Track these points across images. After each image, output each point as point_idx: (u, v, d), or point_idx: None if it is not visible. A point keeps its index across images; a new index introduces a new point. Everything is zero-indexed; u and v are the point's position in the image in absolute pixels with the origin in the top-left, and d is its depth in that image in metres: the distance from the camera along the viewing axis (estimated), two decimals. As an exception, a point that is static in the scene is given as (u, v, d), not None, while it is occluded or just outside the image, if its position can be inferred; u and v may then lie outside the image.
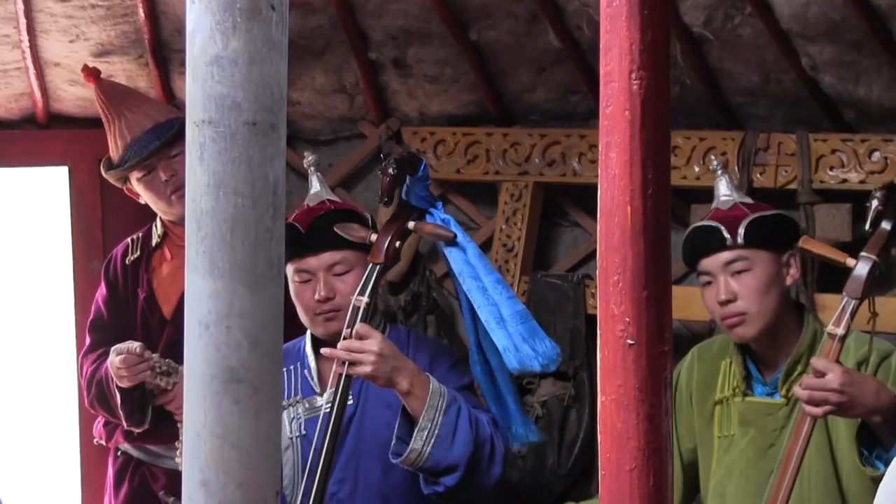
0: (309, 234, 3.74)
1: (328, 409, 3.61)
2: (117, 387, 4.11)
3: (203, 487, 1.77)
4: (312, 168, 3.86)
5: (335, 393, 3.49)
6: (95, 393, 4.28)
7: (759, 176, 4.51)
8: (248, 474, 1.77)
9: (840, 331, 3.28)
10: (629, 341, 1.38)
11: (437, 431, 3.49)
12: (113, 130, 4.33)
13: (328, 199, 3.83)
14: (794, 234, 3.63)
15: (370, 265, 3.58)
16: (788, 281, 3.58)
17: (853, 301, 3.31)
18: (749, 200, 3.70)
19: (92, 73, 4.44)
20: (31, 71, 4.93)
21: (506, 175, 4.97)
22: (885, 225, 3.37)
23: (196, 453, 1.77)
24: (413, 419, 3.50)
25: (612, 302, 1.39)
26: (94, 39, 4.87)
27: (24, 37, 4.82)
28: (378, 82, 5.05)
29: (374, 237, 3.63)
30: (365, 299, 3.52)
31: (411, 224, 3.61)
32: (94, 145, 5.11)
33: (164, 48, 4.96)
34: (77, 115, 5.17)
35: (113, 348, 4.08)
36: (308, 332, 3.85)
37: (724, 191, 3.70)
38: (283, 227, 1.78)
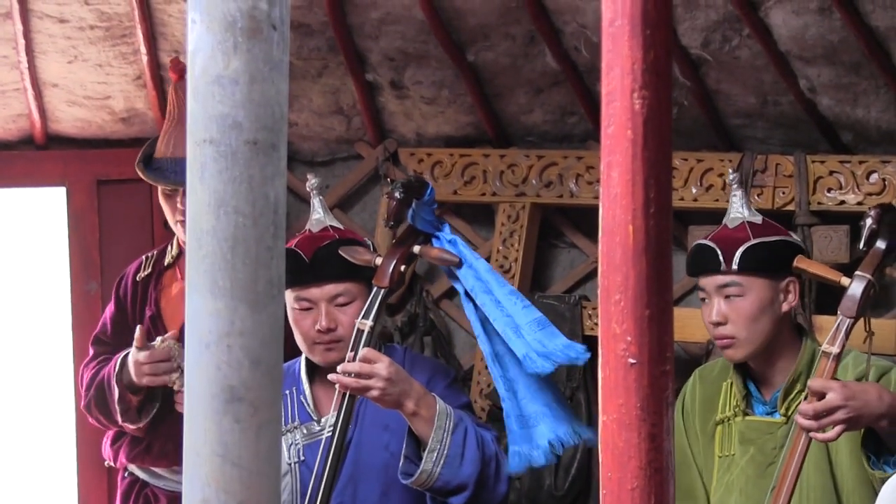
0: (312, 264, 3.74)
1: (329, 435, 3.62)
2: (125, 386, 4.11)
3: (203, 506, 1.77)
4: (315, 191, 3.85)
5: (338, 416, 3.49)
6: (94, 394, 4.27)
7: (756, 197, 4.52)
8: (248, 493, 1.77)
9: (835, 349, 3.27)
10: (631, 360, 1.38)
11: (446, 452, 3.49)
12: (168, 131, 4.32)
13: (331, 227, 3.83)
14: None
15: (375, 289, 3.58)
16: (785, 307, 3.55)
17: (848, 320, 3.31)
18: (758, 220, 3.65)
19: (177, 70, 4.36)
20: (30, 92, 4.94)
21: (503, 196, 4.97)
22: (880, 244, 3.37)
23: (196, 472, 1.77)
24: (419, 438, 3.51)
25: (613, 321, 1.39)
26: (92, 60, 4.88)
27: (23, 57, 4.83)
28: (375, 104, 5.06)
29: (378, 261, 3.63)
30: (369, 323, 3.53)
31: (417, 248, 3.62)
32: (92, 166, 5.12)
33: (162, 69, 4.96)
34: (75, 136, 5.17)
35: (135, 342, 4.07)
36: (303, 356, 3.85)
37: (735, 208, 3.66)
38: (283, 247, 1.78)
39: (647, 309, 1.38)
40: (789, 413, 3.53)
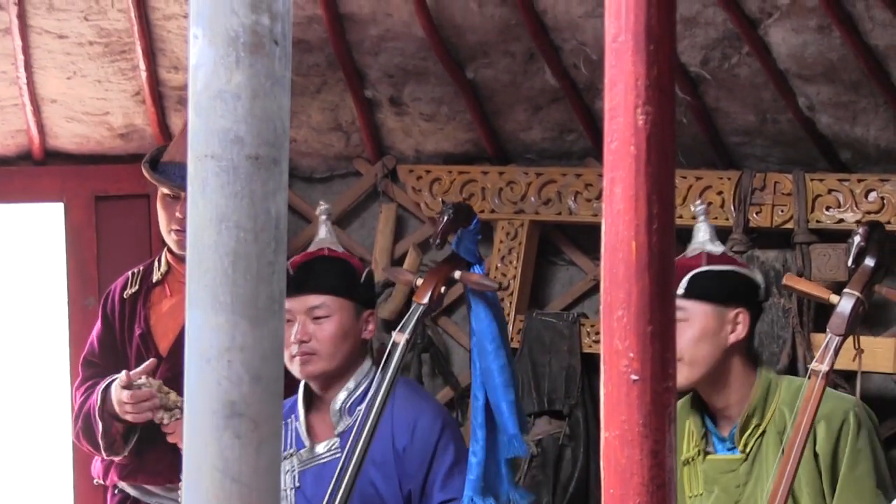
0: (295, 276, 3.78)
1: (325, 461, 3.70)
2: (109, 415, 4.11)
3: (203, 522, 1.76)
4: (324, 217, 3.92)
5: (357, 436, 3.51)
6: (81, 425, 4.26)
7: (755, 215, 4.52)
8: (248, 509, 1.76)
9: (824, 367, 3.23)
10: (633, 377, 1.38)
11: None
12: (184, 134, 4.31)
13: (328, 248, 3.88)
14: (750, 292, 3.55)
15: (414, 304, 3.63)
16: (731, 339, 3.48)
17: (836, 338, 3.29)
18: (718, 250, 3.60)
19: None
20: (28, 107, 4.94)
21: (501, 213, 4.97)
22: (868, 261, 3.36)
23: (196, 487, 1.76)
24: None
25: (616, 337, 1.39)
26: (91, 76, 4.88)
27: (22, 73, 4.83)
28: (374, 120, 5.07)
29: (419, 281, 3.66)
30: (405, 336, 3.55)
31: (457, 274, 3.64)
32: (90, 182, 5.12)
33: (161, 85, 4.97)
34: (73, 152, 5.17)
35: (119, 382, 4.08)
36: (301, 386, 3.88)
37: (698, 237, 3.62)
38: (284, 262, 1.78)
39: (649, 325, 1.38)
40: (748, 449, 3.48)
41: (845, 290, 3.35)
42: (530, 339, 4.83)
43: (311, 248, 3.89)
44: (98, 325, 4.46)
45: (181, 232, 3.97)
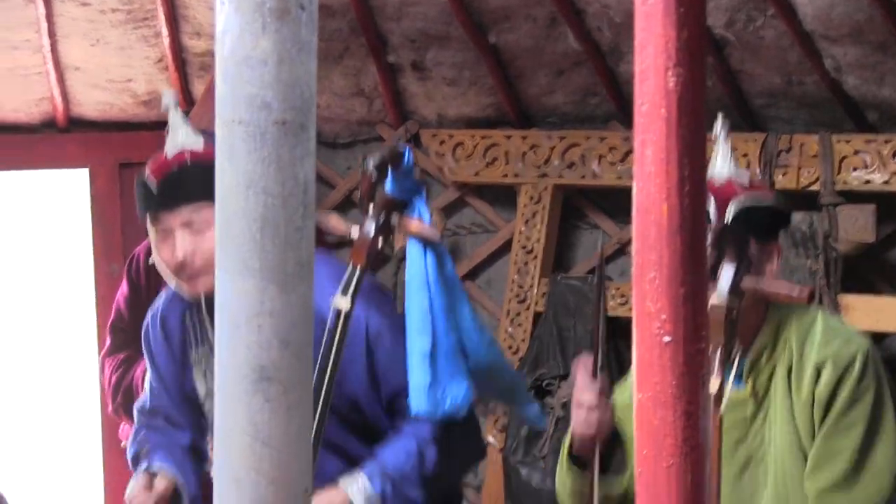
0: (161, 190, 3.37)
1: None
2: None
3: (235, 486, 1.77)
4: (173, 108, 3.41)
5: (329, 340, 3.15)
6: (122, 401, 4.26)
7: (781, 177, 4.50)
8: (279, 472, 1.77)
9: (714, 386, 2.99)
10: (666, 338, 1.37)
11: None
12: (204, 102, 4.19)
13: (190, 151, 3.40)
14: (784, 224, 3.34)
15: (351, 265, 3.21)
16: (768, 274, 3.23)
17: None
18: (746, 179, 3.30)
19: None
20: (52, 75, 4.95)
21: (525, 178, 4.96)
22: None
23: (227, 451, 1.77)
24: None
25: (647, 299, 1.38)
26: (114, 43, 4.89)
27: (46, 41, 4.83)
28: (396, 85, 5.06)
29: (354, 233, 3.23)
30: (346, 303, 3.17)
31: (395, 220, 3.22)
32: (114, 149, 5.13)
33: (183, 51, 4.96)
34: (97, 119, 5.18)
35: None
36: None
37: (720, 162, 3.29)
38: (312, 227, 1.78)
39: (681, 287, 1.37)
40: (756, 387, 3.29)
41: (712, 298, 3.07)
42: (555, 303, 4.83)
43: (169, 154, 3.41)
44: (124, 289, 4.46)
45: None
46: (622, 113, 4.87)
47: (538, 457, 4.70)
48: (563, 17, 4.64)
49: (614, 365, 4.74)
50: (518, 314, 4.94)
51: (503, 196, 5.11)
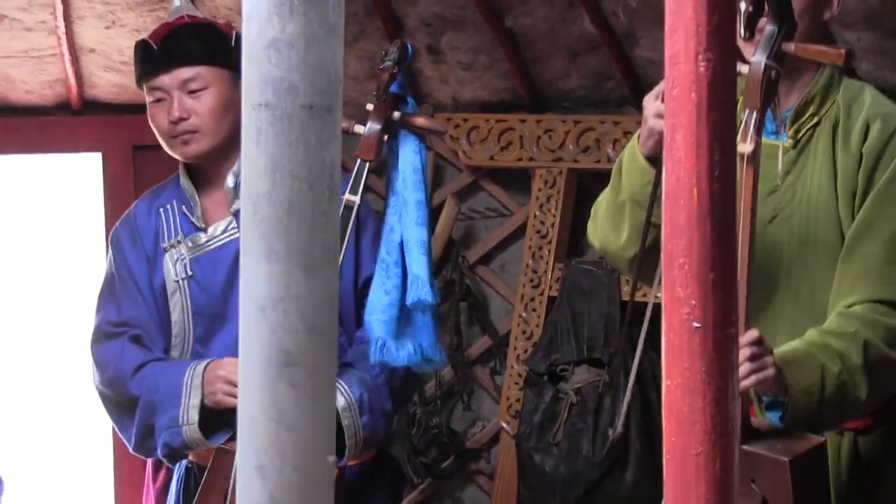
0: (160, 50, 3.53)
1: (221, 244, 3.54)
2: None
3: (259, 472, 1.78)
4: None
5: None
6: None
7: (795, 163, 4.49)
8: (303, 458, 1.77)
9: (748, 147, 2.80)
10: (695, 324, 1.37)
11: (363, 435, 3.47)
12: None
13: (188, 15, 3.60)
14: None
15: (358, 161, 3.27)
16: (826, 16, 3.10)
17: (754, 112, 2.82)
18: None
19: None
20: (66, 57, 4.94)
21: (539, 162, 4.96)
22: (769, 26, 2.87)
23: (251, 437, 1.77)
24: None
25: (677, 285, 1.39)
26: (130, 25, 4.88)
27: (61, 23, 4.83)
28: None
29: (358, 128, 3.29)
30: (357, 199, 3.24)
31: (396, 115, 3.29)
32: (128, 132, 5.12)
33: (199, 34, 4.95)
34: (111, 102, 5.18)
35: None
36: (181, 166, 3.65)
37: None
38: (338, 211, 1.78)
39: (711, 272, 1.37)
40: (799, 136, 3.12)
41: (751, 58, 2.87)
42: (569, 288, 4.83)
43: (169, 19, 3.62)
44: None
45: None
46: (636, 97, 4.85)
47: (552, 443, 4.69)
48: (580, 0, 4.63)
49: (629, 351, 4.74)
50: (532, 299, 4.94)
51: (518, 180, 5.11)
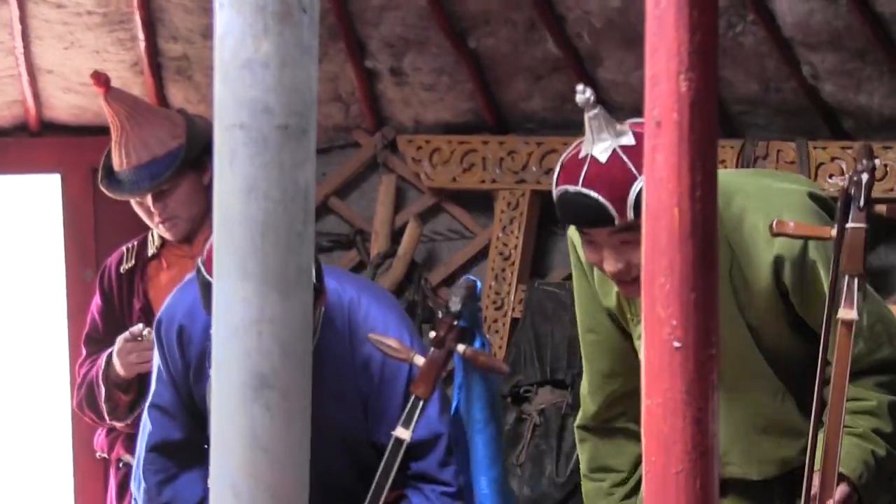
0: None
1: None
2: (113, 383, 4.09)
3: (232, 493, 1.76)
4: None
5: None
6: (84, 394, 4.24)
7: (759, 184, 4.51)
8: (277, 480, 1.76)
9: (853, 314, 2.78)
10: (676, 344, 1.37)
11: None
12: (118, 142, 4.23)
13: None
14: None
15: (413, 397, 3.20)
16: None
17: (855, 278, 2.81)
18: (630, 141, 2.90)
19: (102, 82, 4.23)
20: (25, 78, 4.91)
21: (502, 183, 4.96)
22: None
23: (226, 459, 1.76)
24: None
25: (658, 305, 1.38)
26: (89, 46, 4.85)
27: (18, 43, 4.80)
28: (374, 91, 5.04)
29: (417, 360, 3.20)
30: (407, 436, 3.19)
31: (461, 348, 3.21)
32: (87, 153, 5.08)
33: (159, 55, 4.93)
34: (70, 123, 5.14)
35: (123, 337, 4.06)
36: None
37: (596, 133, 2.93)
38: (313, 232, 1.77)
39: (692, 292, 1.37)
40: None
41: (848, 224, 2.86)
42: (532, 309, 4.83)
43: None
44: (97, 301, 4.43)
45: (169, 220, 4.15)
46: (599, 119, 4.87)
47: (515, 464, 4.69)
48: (543, 21, 4.64)
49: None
50: (495, 321, 4.94)
51: (480, 202, 5.10)
